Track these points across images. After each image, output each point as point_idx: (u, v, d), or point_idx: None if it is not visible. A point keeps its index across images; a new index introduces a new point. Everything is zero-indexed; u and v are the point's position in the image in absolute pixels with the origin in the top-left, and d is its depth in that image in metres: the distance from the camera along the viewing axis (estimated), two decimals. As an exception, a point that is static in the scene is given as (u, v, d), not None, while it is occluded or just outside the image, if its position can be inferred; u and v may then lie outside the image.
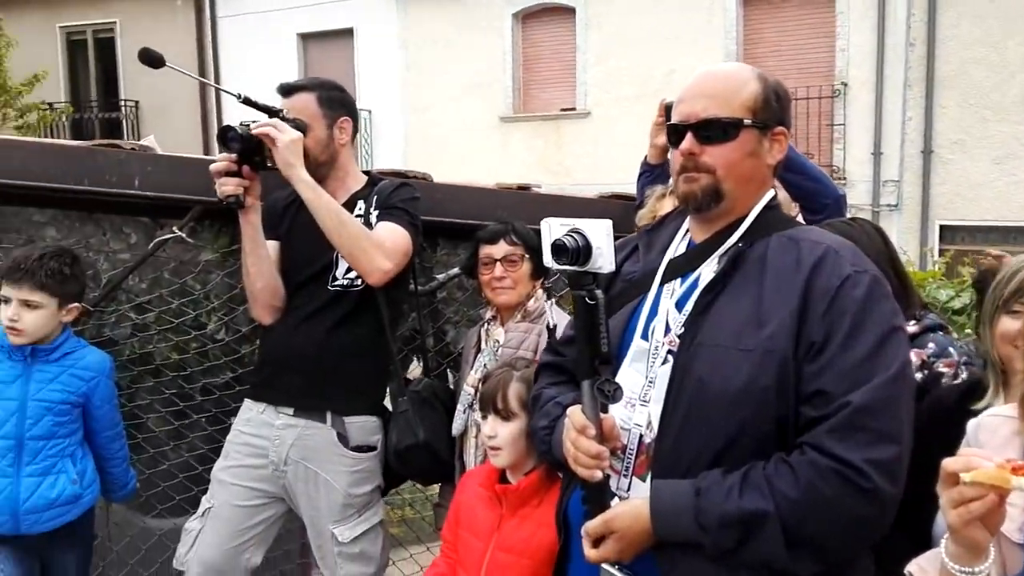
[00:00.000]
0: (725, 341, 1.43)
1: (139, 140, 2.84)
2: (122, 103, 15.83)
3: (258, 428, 2.40)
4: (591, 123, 13.05)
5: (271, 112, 2.31)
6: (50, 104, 14.96)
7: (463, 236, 2.68)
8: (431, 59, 13.92)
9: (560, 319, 2.37)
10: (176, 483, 2.89)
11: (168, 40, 13.56)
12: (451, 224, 2.81)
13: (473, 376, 2.40)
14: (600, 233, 1.40)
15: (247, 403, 2.47)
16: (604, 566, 1.46)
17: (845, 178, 11.05)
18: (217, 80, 14.82)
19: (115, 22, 15.46)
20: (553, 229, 1.43)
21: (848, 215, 2.58)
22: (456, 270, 2.86)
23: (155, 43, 2.33)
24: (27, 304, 2.30)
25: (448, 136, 13.56)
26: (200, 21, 15.25)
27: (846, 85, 11.35)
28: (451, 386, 2.77)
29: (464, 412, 2.41)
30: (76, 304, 2.43)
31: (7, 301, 2.31)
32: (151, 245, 2.70)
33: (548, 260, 1.44)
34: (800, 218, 2.36)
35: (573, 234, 1.40)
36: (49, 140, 4.45)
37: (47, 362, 2.38)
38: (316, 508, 2.38)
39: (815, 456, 1.34)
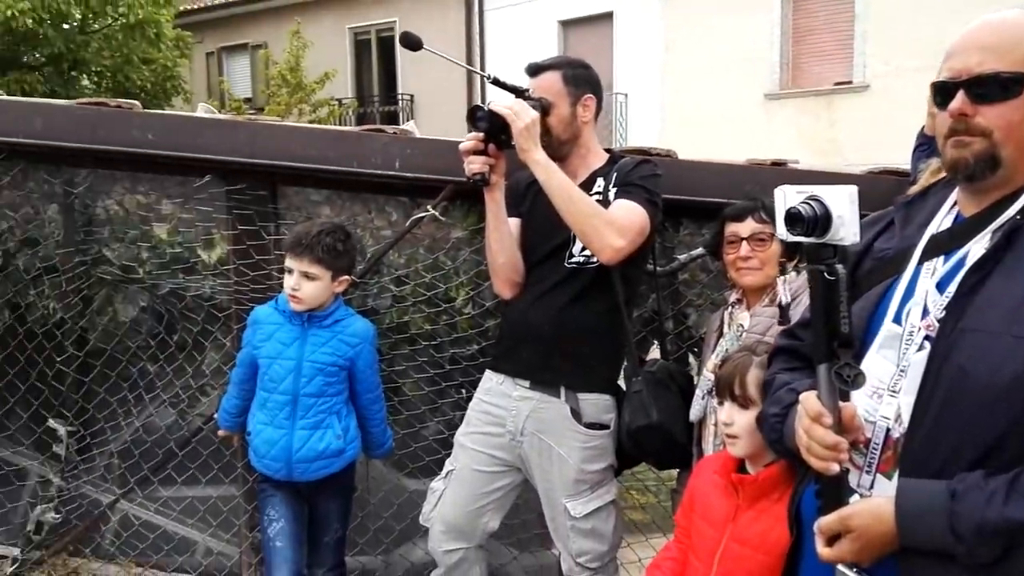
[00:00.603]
0: (995, 326, 1.25)
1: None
2: (399, 97, 17.15)
3: (497, 398, 2.48)
4: (869, 97, 12.02)
5: (517, 92, 2.35)
6: (339, 100, 16.58)
7: (709, 215, 2.53)
8: (692, 39, 13.57)
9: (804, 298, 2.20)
10: (427, 445, 3.06)
11: (440, 34, 14.50)
12: (696, 202, 2.68)
13: (713, 361, 2.29)
14: (842, 200, 1.25)
15: (488, 373, 2.55)
16: (840, 567, 1.34)
17: None
18: (483, 70, 15.59)
19: (395, 20, 16.74)
20: (788, 197, 1.30)
21: None
22: (699, 250, 2.75)
23: (428, 38, 2.39)
24: (306, 275, 2.54)
25: (707, 117, 13.14)
26: (469, 15, 16.11)
27: None
28: (691, 371, 2.69)
29: (703, 398, 2.30)
30: (347, 276, 2.63)
31: (290, 272, 2.56)
32: (408, 223, 2.88)
33: (781, 231, 1.31)
34: None
35: (810, 202, 1.26)
36: (325, 126, 4.91)
37: (320, 327, 2.60)
38: (549, 481, 2.42)
39: None
